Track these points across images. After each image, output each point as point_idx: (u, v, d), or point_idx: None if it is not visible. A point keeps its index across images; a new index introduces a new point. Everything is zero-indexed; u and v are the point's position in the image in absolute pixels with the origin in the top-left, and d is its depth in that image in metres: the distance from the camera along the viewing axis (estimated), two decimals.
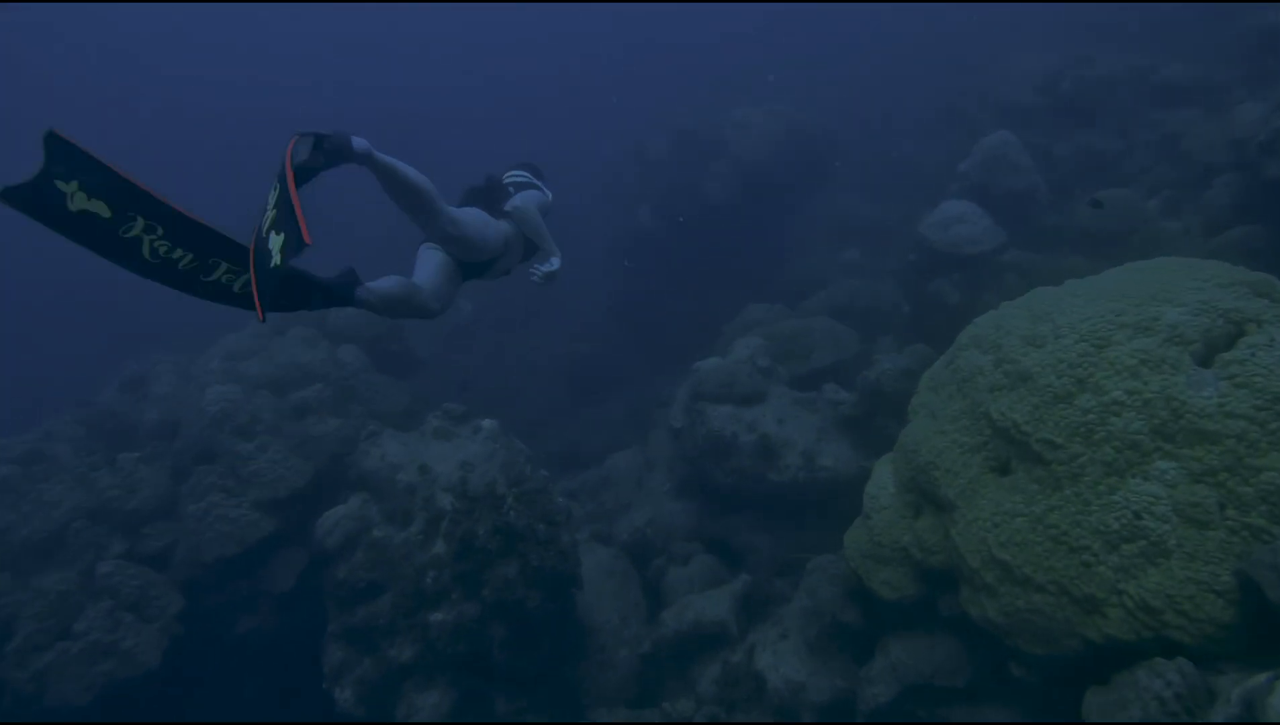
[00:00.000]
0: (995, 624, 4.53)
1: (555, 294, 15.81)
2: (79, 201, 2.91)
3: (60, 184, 2.83)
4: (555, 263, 5.11)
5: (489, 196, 5.43)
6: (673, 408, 9.25)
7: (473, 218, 4.73)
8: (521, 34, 35.73)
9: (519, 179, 5.95)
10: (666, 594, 8.11)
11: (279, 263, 2.94)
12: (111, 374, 10.71)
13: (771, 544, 8.19)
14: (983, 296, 8.48)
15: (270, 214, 3.18)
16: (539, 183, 6.08)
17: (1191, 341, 4.40)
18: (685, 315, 14.43)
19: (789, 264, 14.46)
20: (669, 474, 9.20)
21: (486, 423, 8.92)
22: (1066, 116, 10.86)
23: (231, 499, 7.87)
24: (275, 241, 3.02)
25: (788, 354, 9.33)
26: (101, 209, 2.95)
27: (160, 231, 3.04)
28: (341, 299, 3.65)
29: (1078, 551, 4.23)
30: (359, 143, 3.77)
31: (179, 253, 3.17)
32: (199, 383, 9.41)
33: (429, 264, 4.66)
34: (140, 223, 2.97)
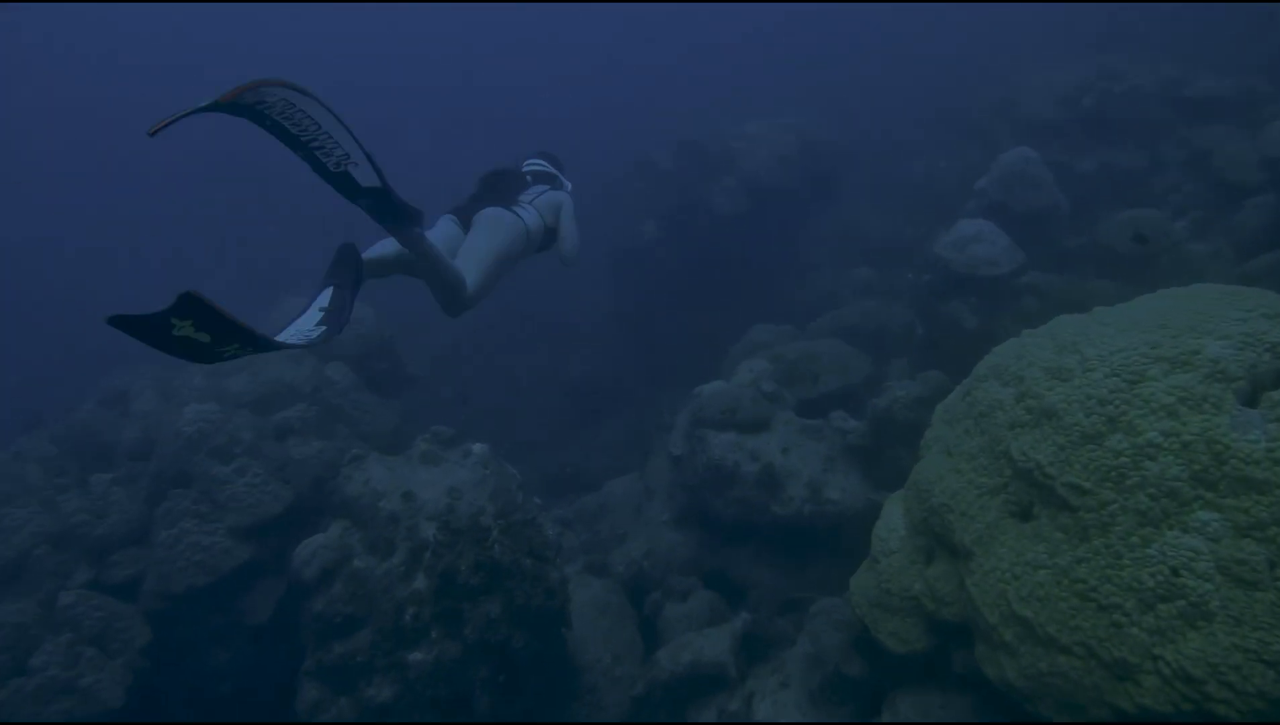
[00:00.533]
0: (1015, 687, 4.08)
1: (558, 308, 15.32)
2: (185, 331, 3.01)
3: (175, 321, 2.90)
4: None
5: (505, 186, 5.36)
6: (673, 433, 8.83)
7: (496, 250, 4.67)
8: (522, 37, 35.17)
9: (537, 167, 5.92)
10: (663, 631, 7.68)
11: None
12: (94, 388, 10.39)
13: (774, 579, 7.75)
14: (1000, 320, 8.05)
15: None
16: (558, 172, 6.03)
17: (1235, 378, 3.96)
18: (691, 333, 14.04)
19: (798, 281, 14.06)
20: (668, 503, 8.77)
21: (477, 447, 8.52)
22: (1089, 131, 10.44)
23: (205, 525, 7.48)
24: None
25: (794, 377, 8.91)
26: (204, 338, 3.08)
27: (247, 350, 3.17)
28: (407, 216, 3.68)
29: (1108, 610, 3.78)
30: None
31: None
32: (180, 399, 9.06)
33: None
34: (234, 347, 3.11)
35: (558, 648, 6.87)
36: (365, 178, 3.37)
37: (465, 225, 4.79)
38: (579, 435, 14.07)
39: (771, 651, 6.93)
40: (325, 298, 3.62)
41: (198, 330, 2.99)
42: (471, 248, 4.61)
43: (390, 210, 3.60)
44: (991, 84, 14.15)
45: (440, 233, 4.70)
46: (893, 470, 7.62)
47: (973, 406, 5.06)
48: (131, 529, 7.64)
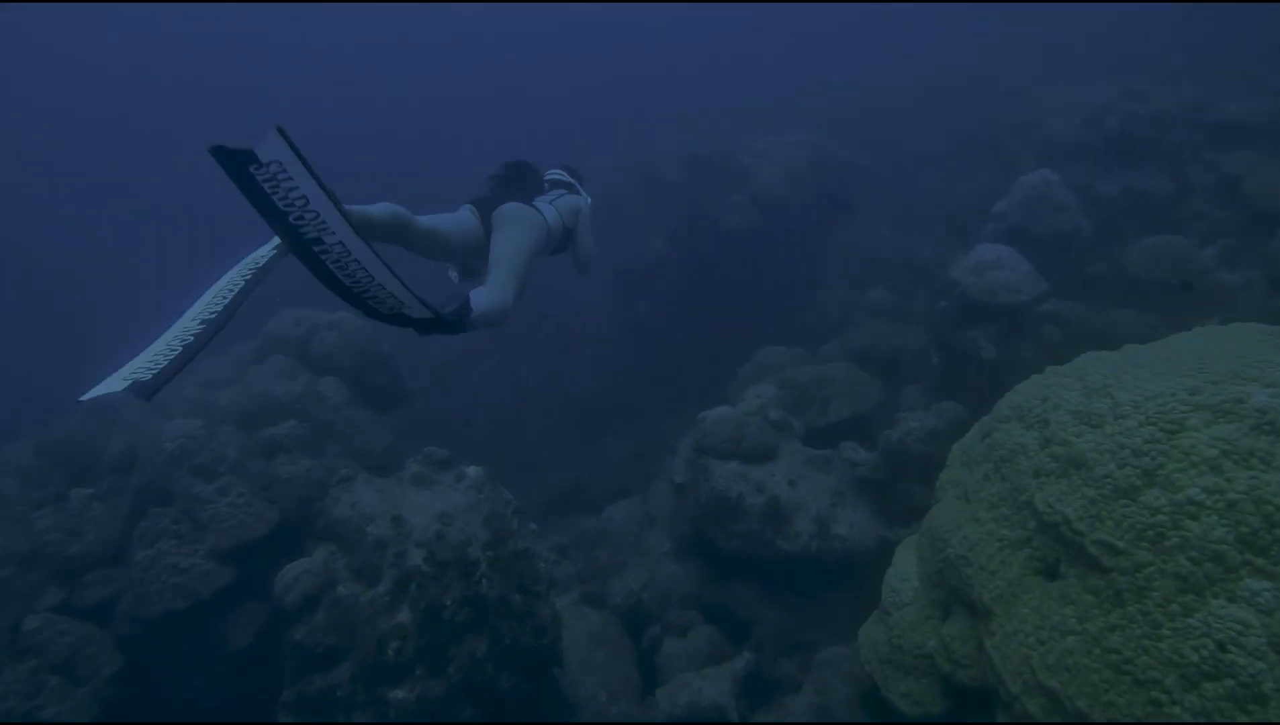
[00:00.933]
0: None
1: (563, 323, 14.96)
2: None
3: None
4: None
5: (524, 181, 5.37)
6: (676, 459, 8.49)
7: (526, 249, 4.69)
8: (528, 46, 34.42)
9: (557, 176, 5.95)
10: (662, 667, 7.34)
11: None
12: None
13: (779, 617, 7.40)
14: (1020, 350, 7.70)
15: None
16: (576, 182, 6.06)
17: None
18: (698, 351, 13.72)
19: (808, 301, 13.72)
20: (669, 532, 8.43)
21: (471, 470, 8.19)
22: (1113, 154, 10.09)
23: (185, 546, 7.16)
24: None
25: (803, 404, 8.57)
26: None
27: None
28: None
29: (1145, 686, 3.43)
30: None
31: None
32: (168, 411, 8.77)
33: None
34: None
35: (549, 688, 6.53)
36: (416, 310, 3.40)
37: (484, 218, 4.74)
38: (581, 453, 13.75)
39: (775, 696, 6.58)
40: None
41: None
42: (501, 255, 4.58)
43: (445, 328, 3.68)
44: (1010, 101, 13.80)
45: (459, 224, 4.65)
46: (905, 506, 7.27)
47: (993, 449, 4.71)
48: (108, 548, 7.33)
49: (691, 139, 16.57)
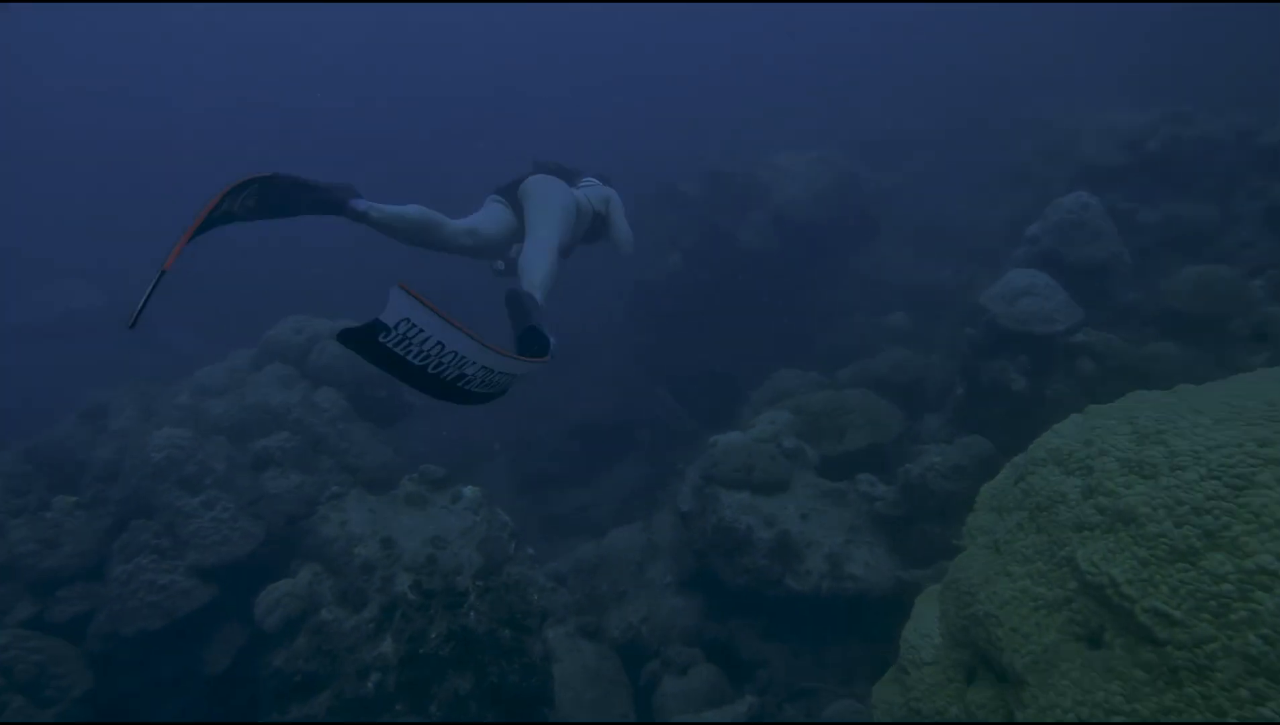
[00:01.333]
0: None
1: (574, 338, 14.56)
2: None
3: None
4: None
5: (555, 170, 5.33)
6: (683, 486, 8.08)
7: (560, 218, 4.73)
8: (540, 50, 33.49)
9: (589, 182, 5.97)
10: (659, 707, 6.91)
11: None
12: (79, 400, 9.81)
13: (786, 660, 6.96)
14: (1053, 383, 7.26)
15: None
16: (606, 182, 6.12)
17: None
18: (713, 373, 13.31)
19: (828, 324, 13.29)
20: (673, 563, 8.01)
21: (468, 491, 7.83)
22: (1154, 180, 9.63)
23: (165, 562, 6.81)
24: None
25: (818, 432, 8.15)
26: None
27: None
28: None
29: None
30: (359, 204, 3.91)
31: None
32: (161, 418, 8.45)
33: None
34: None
35: None
36: (522, 366, 3.45)
37: (511, 203, 4.76)
38: (586, 475, 13.35)
39: None
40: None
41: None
42: (534, 222, 4.60)
43: (539, 343, 3.75)
44: (1045, 127, 13.34)
45: (492, 218, 4.69)
46: (923, 546, 6.84)
47: (1028, 495, 4.28)
48: (86, 561, 7.00)
49: (707, 148, 16.15)
